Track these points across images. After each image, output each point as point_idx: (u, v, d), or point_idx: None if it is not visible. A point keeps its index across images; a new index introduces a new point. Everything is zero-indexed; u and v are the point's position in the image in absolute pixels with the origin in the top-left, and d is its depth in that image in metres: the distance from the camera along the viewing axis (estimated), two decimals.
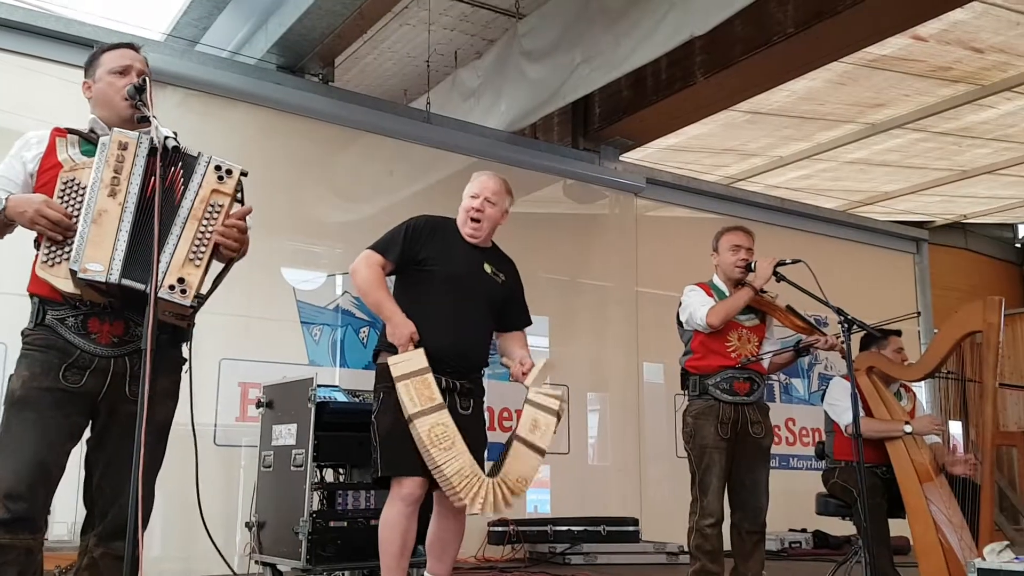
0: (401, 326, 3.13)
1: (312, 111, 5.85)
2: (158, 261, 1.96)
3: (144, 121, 2.14)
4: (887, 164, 8.79)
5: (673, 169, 8.13)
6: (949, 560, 3.75)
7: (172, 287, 2.11)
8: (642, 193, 7.35)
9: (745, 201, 7.96)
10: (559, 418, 3.17)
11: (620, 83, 6.67)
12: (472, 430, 3.24)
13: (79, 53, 5.02)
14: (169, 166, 2.18)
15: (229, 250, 2.24)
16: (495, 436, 3.77)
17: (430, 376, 3.04)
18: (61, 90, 4.67)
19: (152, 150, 2.03)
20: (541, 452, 3.11)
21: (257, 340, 5.35)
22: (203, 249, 2.18)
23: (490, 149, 6.49)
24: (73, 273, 2.05)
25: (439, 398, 3.02)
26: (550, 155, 7.00)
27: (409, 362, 3.06)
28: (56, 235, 2.10)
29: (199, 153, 2.24)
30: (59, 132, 2.27)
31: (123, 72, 2.32)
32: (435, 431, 2.97)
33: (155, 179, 2.05)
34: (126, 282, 2.06)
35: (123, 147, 2.10)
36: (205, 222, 2.19)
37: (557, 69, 6.15)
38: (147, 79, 2.22)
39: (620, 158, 7.47)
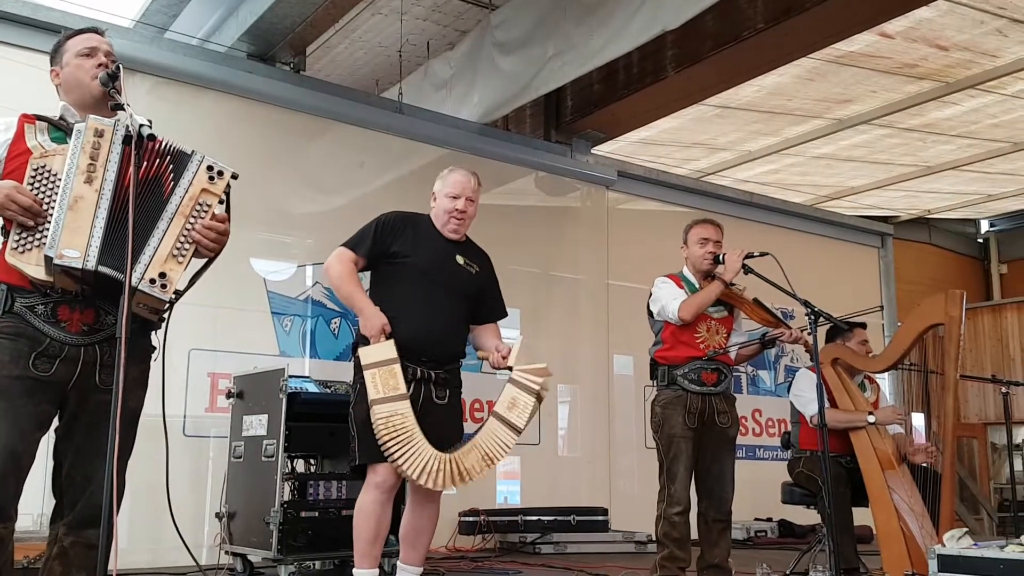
0: (372, 318, 3.18)
1: (283, 100, 5.80)
2: (133, 248, 1.94)
3: (117, 108, 2.12)
4: (853, 159, 8.91)
5: (644, 162, 8.18)
6: (910, 547, 3.83)
7: (153, 281, 2.11)
8: (613, 186, 7.39)
9: (714, 195, 8.04)
10: (540, 400, 3.20)
11: (592, 76, 6.71)
12: (447, 419, 3.28)
13: (47, 39, 4.91)
14: (155, 158, 2.18)
15: (206, 249, 2.25)
16: (467, 427, 3.79)
17: (397, 367, 3.09)
18: (28, 76, 4.59)
19: (127, 137, 2.01)
20: (517, 430, 3.14)
21: (226, 330, 5.31)
22: (187, 246, 2.20)
23: (462, 141, 6.49)
24: (48, 259, 2.02)
25: (403, 388, 3.07)
26: (522, 147, 7.00)
27: (378, 352, 3.12)
28: (27, 221, 2.07)
29: (192, 151, 2.25)
30: (27, 118, 2.24)
31: (90, 54, 2.31)
32: (392, 420, 3.02)
33: (131, 167, 2.03)
34: (102, 269, 2.05)
35: (99, 134, 2.08)
36: (192, 220, 2.21)
37: (530, 61, 6.16)
38: (120, 67, 2.20)
39: (592, 151, 7.50)
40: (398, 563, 3.38)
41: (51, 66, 2.38)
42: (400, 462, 3.00)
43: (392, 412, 3.02)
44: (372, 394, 3.04)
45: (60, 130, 2.24)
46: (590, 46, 5.68)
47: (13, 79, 4.76)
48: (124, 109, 2.08)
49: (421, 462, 3.01)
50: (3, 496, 2.08)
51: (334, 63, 7.25)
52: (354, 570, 3.24)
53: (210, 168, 2.24)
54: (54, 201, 2.08)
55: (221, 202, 2.29)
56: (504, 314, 3.56)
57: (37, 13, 4.96)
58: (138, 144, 1.98)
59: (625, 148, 8.25)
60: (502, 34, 6.47)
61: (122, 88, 2.20)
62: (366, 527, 3.18)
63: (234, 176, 2.28)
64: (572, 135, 7.37)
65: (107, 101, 2.21)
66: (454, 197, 3.37)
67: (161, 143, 2.20)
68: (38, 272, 2.07)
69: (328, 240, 5.61)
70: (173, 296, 2.17)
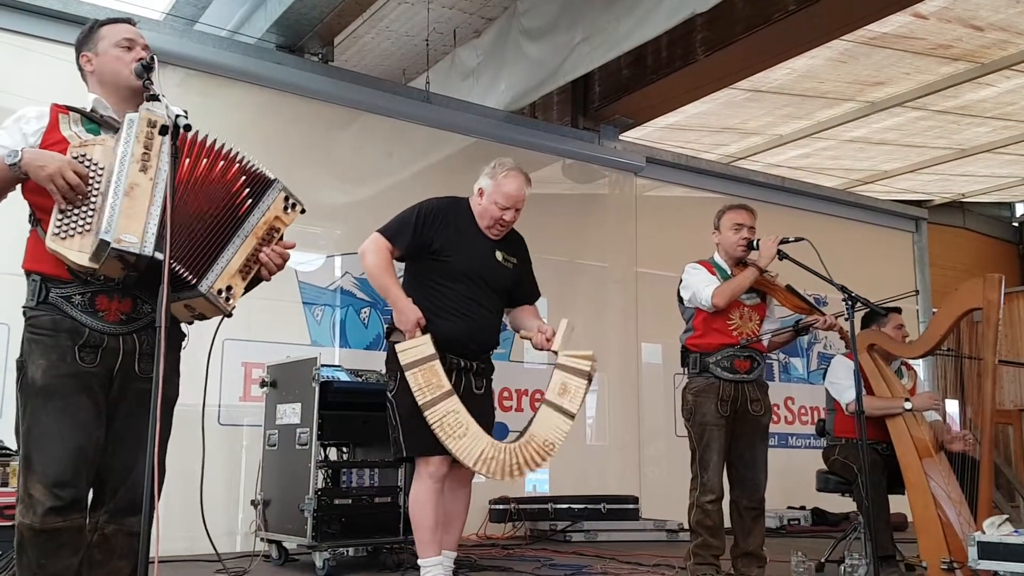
0: (407, 312, 3.16)
1: (311, 91, 5.82)
2: (170, 235, 1.95)
3: (153, 100, 2.12)
4: (886, 143, 8.77)
5: (673, 148, 8.11)
6: (948, 535, 3.78)
7: (220, 291, 2.18)
8: (642, 172, 7.34)
9: (745, 180, 7.96)
10: (590, 380, 3.19)
11: (620, 62, 6.65)
12: (484, 408, 3.32)
13: (78, 32, 4.98)
14: (218, 159, 2.23)
15: (268, 273, 2.33)
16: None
17: (437, 364, 3.08)
18: (59, 70, 4.63)
19: (163, 128, 2.01)
20: (570, 415, 3.14)
21: (259, 320, 5.34)
22: (253, 266, 2.28)
23: (489, 129, 6.47)
24: (104, 244, 2.00)
25: (447, 385, 3.07)
26: (549, 135, 6.97)
27: (416, 349, 3.11)
28: (68, 198, 2.04)
29: (276, 178, 2.34)
30: (60, 108, 2.23)
31: (129, 47, 2.30)
32: (447, 420, 3.03)
33: (175, 157, 2.03)
34: (158, 255, 2.05)
35: (152, 124, 2.08)
36: (262, 242, 2.29)
37: (557, 48, 6.12)
38: (155, 58, 2.21)
39: (620, 137, 7.45)
40: None
41: (83, 51, 2.34)
42: (466, 459, 3.02)
43: (445, 412, 3.04)
44: (419, 397, 3.04)
45: (93, 122, 2.24)
46: (618, 31, 5.63)
47: (43, 73, 4.80)
48: (159, 100, 2.09)
49: (486, 454, 3.03)
50: (79, 491, 2.12)
51: (361, 53, 7.26)
52: (419, 560, 3.25)
53: (287, 198, 2.34)
54: (95, 189, 2.09)
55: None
56: (537, 296, 3.57)
57: (68, 7, 5.00)
58: (175, 134, 1.98)
59: (653, 134, 8.18)
60: (529, 21, 6.43)
61: (154, 80, 2.20)
62: (426, 517, 3.19)
63: (302, 211, 2.38)
64: (600, 121, 7.32)
65: (141, 93, 2.21)
66: (504, 207, 3.33)
67: (234, 153, 2.26)
68: (81, 259, 2.06)
69: (357, 230, 5.62)
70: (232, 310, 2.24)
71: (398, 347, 3.14)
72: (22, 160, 2.05)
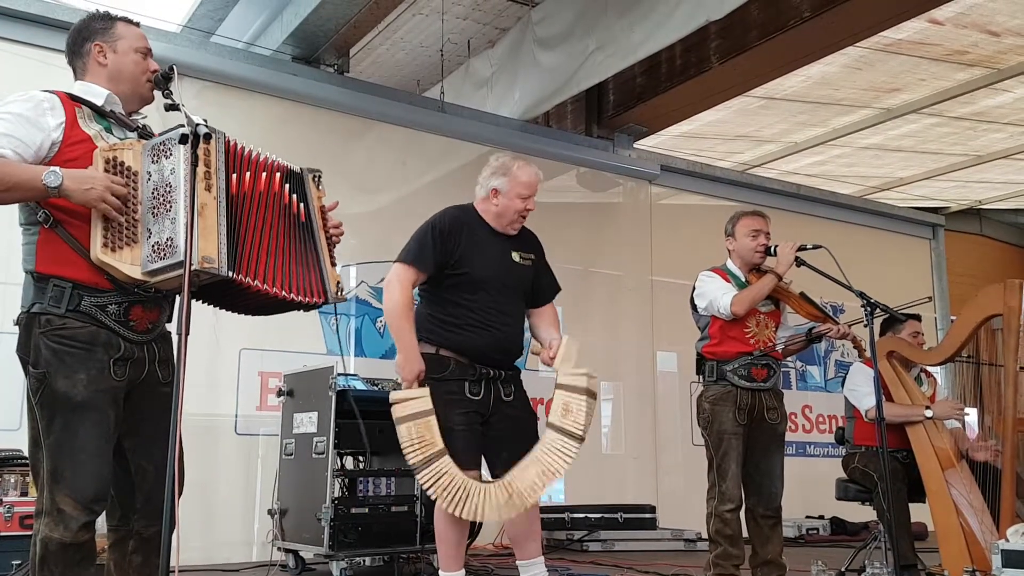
0: (411, 362, 3.08)
1: (327, 102, 5.86)
2: (191, 239, 1.94)
3: (172, 109, 2.13)
4: (902, 149, 8.73)
5: (687, 156, 8.10)
6: (970, 543, 3.75)
7: (336, 293, 2.36)
8: (656, 180, 7.34)
9: (760, 187, 7.95)
10: (592, 396, 3.09)
11: (634, 70, 6.66)
12: (518, 412, 3.27)
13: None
14: (260, 170, 2.27)
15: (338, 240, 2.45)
16: None
17: (432, 419, 2.99)
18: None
19: (183, 136, 2.00)
20: (576, 438, 3.04)
21: (276, 330, 5.35)
22: (333, 252, 2.41)
23: (504, 138, 6.48)
24: (183, 265, 1.95)
25: (440, 443, 2.98)
26: (564, 143, 6.99)
27: (413, 403, 3.01)
28: (119, 217, 2.01)
29: (301, 168, 2.40)
30: (71, 101, 2.13)
31: (147, 56, 2.30)
32: (441, 481, 2.94)
33: (194, 167, 2.02)
34: (232, 275, 2.07)
35: (207, 140, 2.06)
36: (325, 228, 2.40)
37: (571, 56, 6.14)
38: (174, 68, 2.21)
39: (634, 145, 7.46)
40: (519, 562, 3.30)
41: (96, 40, 2.25)
42: (467, 514, 2.95)
43: (437, 473, 2.94)
44: (410, 455, 2.95)
45: (104, 117, 2.19)
46: (632, 39, 5.64)
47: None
48: (179, 109, 2.09)
49: (499, 501, 2.95)
50: (106, 503, 2.14)
51: (376, 64, 7.30)
52: (441, 572, 3.22)
53: (313, 175, 2.42)
54: (133, 198, 2.05)
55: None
56: (557, 288, 3.50)
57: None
58: (195, 143, 1.99)
59: (668, 142, 8.18)
60: (543, 30, 6.46)
61: (173, 91, 2.21)
62: (451, 532, 3.16)
63: (320, 173, 2.47)
64: (614, 130, 7.33)
65: (152, 101, 2.23)
66: (526, 197, 3.27)
67: (264, 157, 2.28)
68: (134, 272, 2.02)
69: (373, 240, 5.66)
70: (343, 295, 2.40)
71: (392, 395, 3.04)
72: (63, 184, 1.95)
